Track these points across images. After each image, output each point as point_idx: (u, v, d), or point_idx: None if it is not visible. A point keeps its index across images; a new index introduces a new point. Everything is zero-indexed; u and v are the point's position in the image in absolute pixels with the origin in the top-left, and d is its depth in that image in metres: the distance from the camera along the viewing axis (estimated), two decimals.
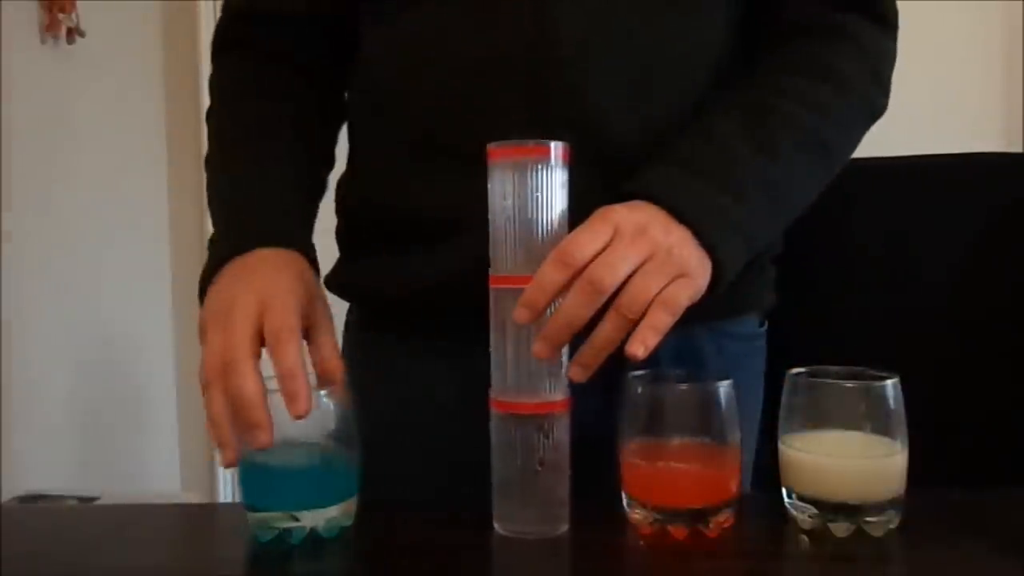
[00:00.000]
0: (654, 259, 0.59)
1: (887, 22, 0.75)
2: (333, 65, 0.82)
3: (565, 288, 0.57)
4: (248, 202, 0.74)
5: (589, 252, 0.57)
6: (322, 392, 0.60)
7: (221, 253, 0.69)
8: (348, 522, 0.61)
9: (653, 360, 0.73)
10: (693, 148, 0.67)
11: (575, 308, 0.57)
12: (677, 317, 0.59)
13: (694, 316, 0.76)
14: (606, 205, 0.61)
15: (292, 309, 0.62)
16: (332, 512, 0.60)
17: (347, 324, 0.84)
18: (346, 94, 0.84)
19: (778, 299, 0.82)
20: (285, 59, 0.82)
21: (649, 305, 0.58)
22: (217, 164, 0.79)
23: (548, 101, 0.69)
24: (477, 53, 0.70)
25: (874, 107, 0.75)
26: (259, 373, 0.59)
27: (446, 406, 0.75)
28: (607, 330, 0.58)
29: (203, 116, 0.83)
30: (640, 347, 0.57)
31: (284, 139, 0.79)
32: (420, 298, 0.74)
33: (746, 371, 0.79)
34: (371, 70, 0.79)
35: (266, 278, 0.65)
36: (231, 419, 0.58)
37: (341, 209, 0.82)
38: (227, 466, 0.59)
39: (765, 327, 0.83)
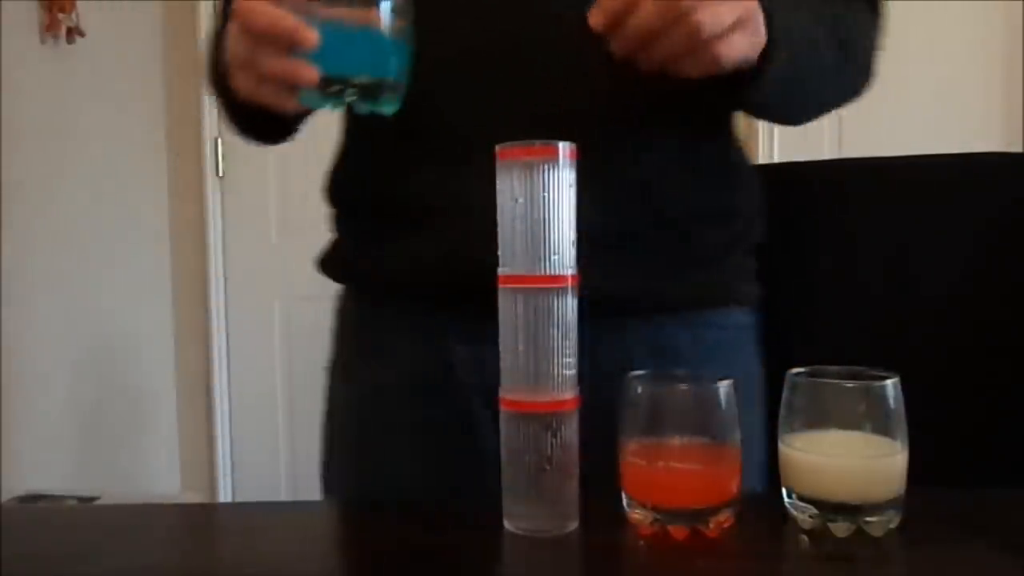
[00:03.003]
0: (747, 23, 0.60)
1: (879, 11, 0.80)
2: None
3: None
4: None
5: None
6: None
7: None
8: (398, 102, 0.62)
9: (624, 349, 0.73)
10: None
11: (647, 18, 0.57)
12: (726, 65, 0.60)
13: (665, 308, 0.77)
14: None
15: None
16: (385, 82, 0.61)
17: (338, 304, 0.87)
18: None
19: (764, 290, 0.82)
20: None
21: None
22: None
23: (527, 93, 0.69)
24: (456, 44, 0.71)
25: (870, 70, 0.78)
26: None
27: (421, 385, 0.77)
28: (655, 17, 0.57)
29: (204, 117, 0.83)
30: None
31: None
32: (399, 280, 0.77)
33: (726, 361, 0.78)
34: None
35: None
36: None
37: (331, 196, 0.84)
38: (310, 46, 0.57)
39: (754, 319, 0.83)
